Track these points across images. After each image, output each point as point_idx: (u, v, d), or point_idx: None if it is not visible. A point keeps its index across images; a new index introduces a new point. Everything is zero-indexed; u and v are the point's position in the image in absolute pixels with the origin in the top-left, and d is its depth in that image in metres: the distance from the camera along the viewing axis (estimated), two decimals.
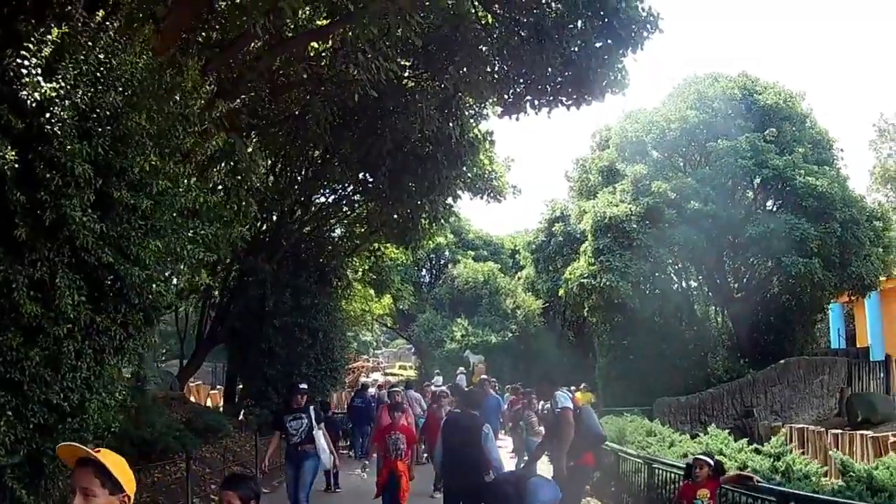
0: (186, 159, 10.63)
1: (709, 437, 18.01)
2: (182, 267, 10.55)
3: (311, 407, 12.14)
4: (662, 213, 32.24)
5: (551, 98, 16.84)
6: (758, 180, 34.50)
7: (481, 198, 25.04)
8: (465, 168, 21.74)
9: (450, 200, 23.28)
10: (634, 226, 32.40)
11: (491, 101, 18.66)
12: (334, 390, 26.98)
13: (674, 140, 35.63)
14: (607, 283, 31.92)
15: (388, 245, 28.99)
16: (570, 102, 16.65)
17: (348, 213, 26.81)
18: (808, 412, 31.61)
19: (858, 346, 39.26)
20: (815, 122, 36.33)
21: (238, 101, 15.71)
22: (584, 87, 16.30)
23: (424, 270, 57.14)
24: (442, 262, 56.03)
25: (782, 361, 32.72)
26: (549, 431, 10.99)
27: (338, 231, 28.05)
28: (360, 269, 30.28)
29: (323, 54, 17.80)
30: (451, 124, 18.84)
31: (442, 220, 24.68)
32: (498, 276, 49.21)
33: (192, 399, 32.56)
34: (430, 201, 21.71)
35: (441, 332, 45.62)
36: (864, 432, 22.41)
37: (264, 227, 25.41)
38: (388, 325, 57.63)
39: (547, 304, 47.11)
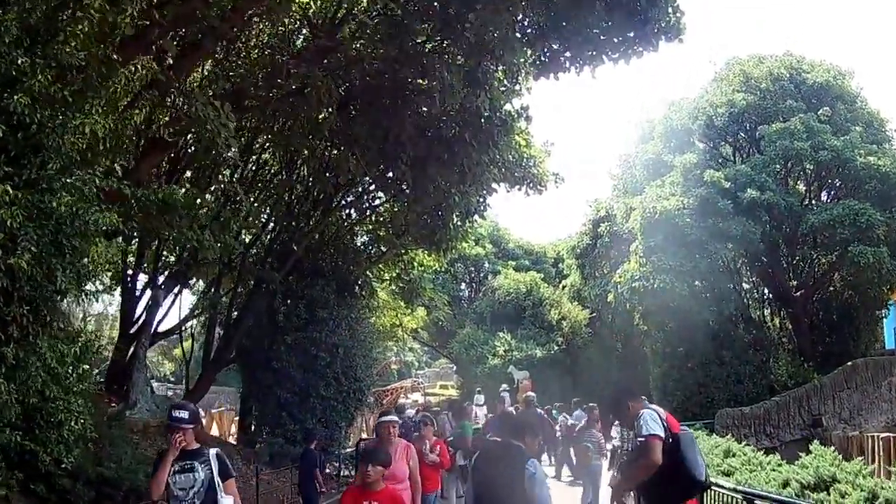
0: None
1: (815, 458, 14.84)
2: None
3: (214, 452, 6.98)
4: (716, 204, 29.83)
5: (594, 52, 14.18)
6: (811, 165, 32.05)
7: (519, 189, 21.88)
8: (498, 152, 18.74)
9: (483, 193, 20.28)
10: (687, 220, 29.82)
11: (523, 61, 15.61)
12: (360, 414, 24.03)
13: (722, 126, 33.95)
14: (661, 285, 29.41)
15: (418, 251, 25.98)
16: (616, 55, 14.03)
17: (369, 213, 23.96)
18: (877, 418, 29.62)
19: None
20: (867, 101, 34.37)
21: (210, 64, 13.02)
22: (632, 33, 13.49)
23: (464, 284, 54.66)
24: (482, 274, 53.36)
25: (849, 364, 30.53)
26: (630, 471, 7.43)
27: (361, 237, 25.22)
28: (388, 277, 27.27)
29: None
30: (478, 96, 15.86)
31: (476, 217, 21.69)
32: (541, 286, 46.16)
33: (211, 429, 30.03)
34: (461, 193, 18.74)
35: (482, 348, 42.60)
36: None
37: (274, 230, 22.71)
38: (426, 341, 55.01)
39: (594, 314, 44.23)
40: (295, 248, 21.60)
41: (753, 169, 31.00)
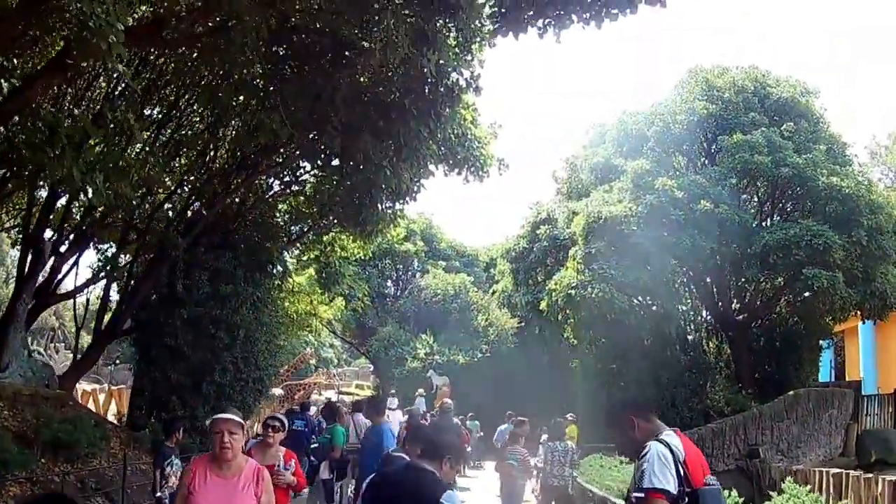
0: None
1: (790, 499, 13.13)
2: None
3: None
4: (668, 214, 28.11)
5: (561, 10, 12.15)
6: (768, 182, 30.67)
7: (459, 173, 19.67)
8: (440, 125, 16.68)
9: (419, 172, 18.12)
10: (634, 228, 28.12)
11: (481, 16, 13.52)
12: (261, 407, 21.73)
13: (679, 134, 32.01)
14: (599, 295, 27.55)
15: (342, 235, 23.74)
16: (588, 15, 11.99)
17: (291, 184, 21.74)
18: (815, 451, 28.79)
19: (848, 379, 36.90)
20: (829, 123, 33.15)
21: None
22: None
23: (390, 281, 52.22)
24: (410, 272, 51.31)
25: (791, 393, 29.18)
26: None
27: (280, 211, 22.90)
28: (306, 258, 24.96)
29: None
30: (425, 56, 13.84)
31: (408, 201, 19.50)
32: (470, 290, 44.65)
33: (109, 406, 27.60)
34: (393, 167, 16.57)
35: (403, 349, 41.01)
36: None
37: (186, 193, 20.52)
38: (346, 338, 52.90)
39: (522, 323, 42.59)
40: (205, 212, 19.33)
41: (709, 181, 29.42)
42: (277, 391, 33.88)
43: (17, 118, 12.01)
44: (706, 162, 32.89)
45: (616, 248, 28.45)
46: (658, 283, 29.16)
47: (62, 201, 19.37)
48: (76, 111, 15.29)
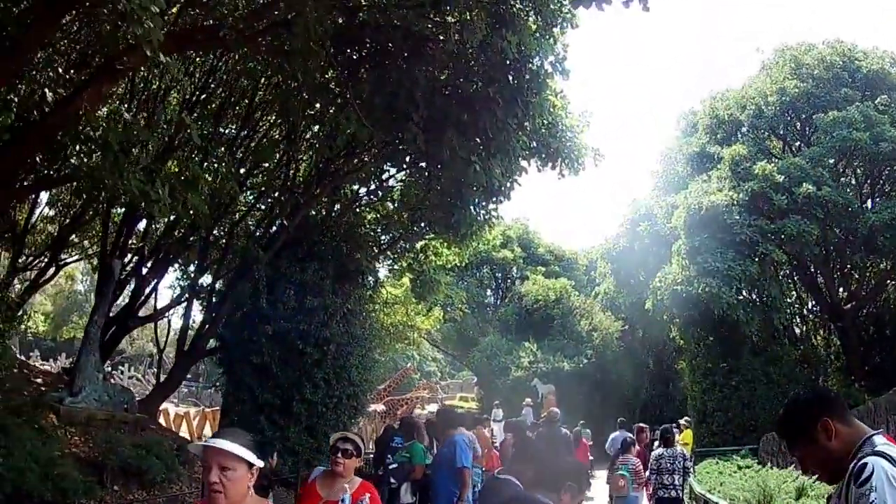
0: None
1: None
2: None
3: None
4: (770, 200, 27.00)
5: None
6: (865, 160, 29.05)
7: (553, 167, 18.35)
8: (527, 114, 15.51)
9: (511, 166, 16.84)
10: (736, 217, 26.99)
11: None
12: (353, 424, 20.66)
13: (772, 116, 31.01)
14: (706, 290, 26.15)
15: (435, 242, 22.67)
16: None
17: (377, 191, 20.79)
18: None
19: None
20: None
21: None
22: None
23: (489, 290, 51.04)
24: (508, 280, 49.96)
25: None
26: None
27: (367, 219, 21.92)
28: (398, 267, 23.97)
29: None
30: (504, 37, 12.74)
31: (501, 199, 18.24)
32: (571, 294, 43.13)
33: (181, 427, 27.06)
34: (483, 162, 15.37)
35: (506, 359, 39.51)
36: None
37: (265, 204, 19.81)
38: (447, 350, 51.95)
39: (626, 326, 41.63)
40: (286, 223, 18.45)
41: (808, 162, 28.00)
42: (379, 407, 32.88)
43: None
44: (801, 144, 31.67)
45: (719, 239, 27.22)
46: (764, 275, 27.88)
47: (142, 225, 18.97)
48: (127, 116, 14.42)
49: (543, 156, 18.21)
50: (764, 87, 31.61)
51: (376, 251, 21.21)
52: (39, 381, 16.09)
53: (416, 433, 12.38)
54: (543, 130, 17.54)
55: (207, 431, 26.67)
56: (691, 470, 13.85)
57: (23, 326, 33.48)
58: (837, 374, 31.03)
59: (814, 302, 33.89)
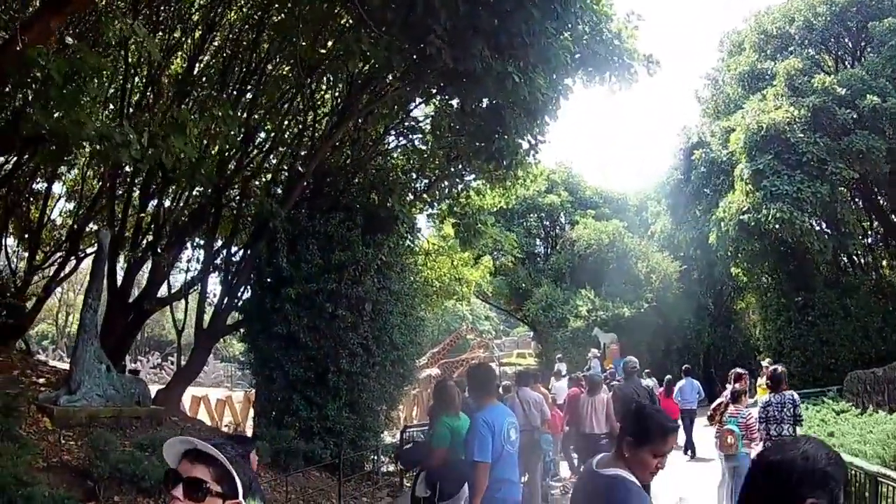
0: None
1: None
2: None
3: None
4: (833, 115, 25.13)
5: None
6: None
7: (602, 81, 15.70)
8: (568, 14, 12.93)
9: (554, 79, 14.15)
10: (800, 135, 25.12)
11: None
12: (402, 394, 18.17)
13: (824, 28, 29.13)
14: (777, 215, 24.12)
15: (476, 182, 19.97)
16: None
17: (403, 125, 18.19)
18: None
19: None
20: None
21: None
22: None
23: (538, 240, 48.39)
24: (557, 228, 47.44)
25: None
26: None
27: (399, 161, 19.28)
28: (439, 211, 20.82)
29: None
30: None
31: (547, 120, 15.48)
32: (625, 236, 40.54)
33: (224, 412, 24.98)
34: (521, 73, 12.82)
35: (562, 309, 37.38)
36: None
37: (275, 148, 17.40)
38: (500, 305, 49.57)
39: (684, 266, 39.15)
40: (301, 170, 16.00)
41: (869, 73, 26.05)
42: (434, 371, 31.00)
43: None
44: (857, 58, 29.63)
45: (784, 160, 25.33)
46: (835, 197, 25.83)
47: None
48: (70, 40, 11.98)
49: (590, 68, 15.60)
50: None
51: (412, 197, 18.58)
52: (42, 381, 13.77)
53: (447, 403, 8.20)
54: (586, 38, 14.94)
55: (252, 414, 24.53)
56: (801, 418, 11.32)
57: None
58: None
59: (881, 228, 31.80)
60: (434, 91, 15.73)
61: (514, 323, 64.87)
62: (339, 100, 16.49)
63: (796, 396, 11.51)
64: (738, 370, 12.84)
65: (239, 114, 15.00)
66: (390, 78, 15.26)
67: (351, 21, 13.53)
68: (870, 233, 32.52)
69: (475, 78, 12.98)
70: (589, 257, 39.66)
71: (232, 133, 13.58)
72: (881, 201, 29.74)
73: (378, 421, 16.75)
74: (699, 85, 33.80)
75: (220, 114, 12.90)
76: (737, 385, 11.95)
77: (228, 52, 16.71)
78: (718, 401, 12.14)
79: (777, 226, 24.11)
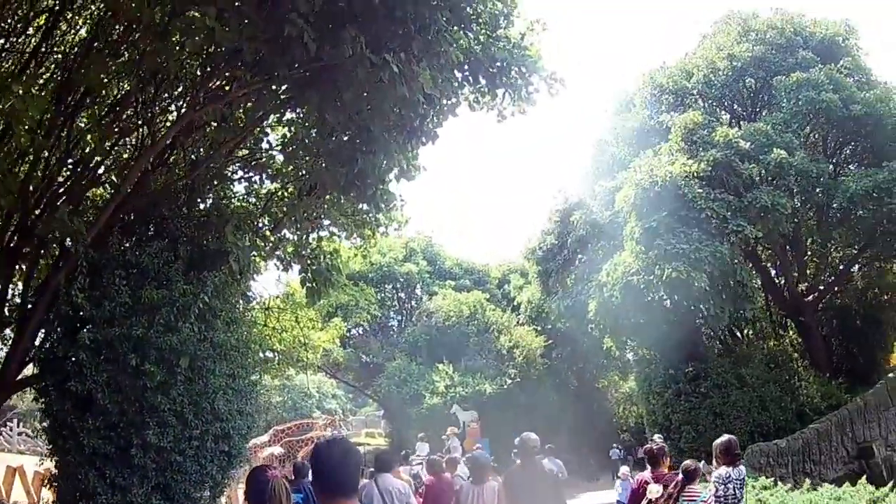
0: None
1: None
2: None
3: None
4: (736, 170, 24.04)
5: None
6: (834, 127, 27.04)
7: (492, 99, 13.02)
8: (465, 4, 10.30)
9: (441, 81, 11.26)
10: (699, 190, 23.54)
11: None
12: (229, 478, 14.32)
13: (724, 83, 28.39)
14: (674, 275, 22.27)
15: (332, 232, 16.65)
16: None
17: (245, 134, 14.71)
18: None
19: None
20: (870, 68, 29.60)
21: None
22: None
23: (393, 313, 45.27)
24: (413, 299, 44.51)
25: (892, 375, 26.52)
26: None
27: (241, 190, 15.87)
28: (284, 255, 16.82)
29: None
30: None
31: (429, 133, 12.46)
32: (487, 309, 38.49)
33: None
34: (402, 66, 9.93)
35: (417, 384, 34.91)
36: None
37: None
38: (347, 381, 46.45)
39: (549, 341, 37.50)
40: (117, 181, 12.57)
41: (773, 128, 25.21)
42: (277, 450, 27.89)
43: None
44: (756, 112, 29.04)
45: (681, 217, 23.66)
46: (736, 256, 24.39)
47: None
48: None
49: (482, 79, 12.81)
50: (710, 53, 29.05)
51: (253, 235, 15.11)
52: None
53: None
54: (483, 36, 12.28)
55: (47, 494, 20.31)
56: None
57: None
58: (809, 371, 28.15)
59: (768, 294, 31.03)
60: (290, 97, 12.59)
61: (362, 402, 61.79)
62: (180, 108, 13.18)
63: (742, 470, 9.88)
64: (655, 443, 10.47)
65: (43, 95, 11.53)
66: (237, 83, 11.99)
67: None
68: (768, 300, 31.56)
69: (343, 71, 10.10)
70: (448, 330, 37.39)
71: (35, 118, 10.23)
72: (768, 266, 29.39)
73: None
74: (583, 155, 32.24)
75: (19, 90, 9.69)
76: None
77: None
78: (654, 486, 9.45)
79: (668, 290, 22.48)
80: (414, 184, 12.49)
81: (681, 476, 9.26)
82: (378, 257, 40.87)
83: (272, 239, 15.75)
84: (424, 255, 44.22)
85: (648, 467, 10.26)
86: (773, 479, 19.63)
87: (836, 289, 29.71)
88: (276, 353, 19.18)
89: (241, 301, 14.46)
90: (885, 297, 29.50)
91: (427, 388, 33.95)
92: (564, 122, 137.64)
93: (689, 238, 22.72)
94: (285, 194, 15.40)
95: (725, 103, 29.61)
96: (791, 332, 30.82)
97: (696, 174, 23.59)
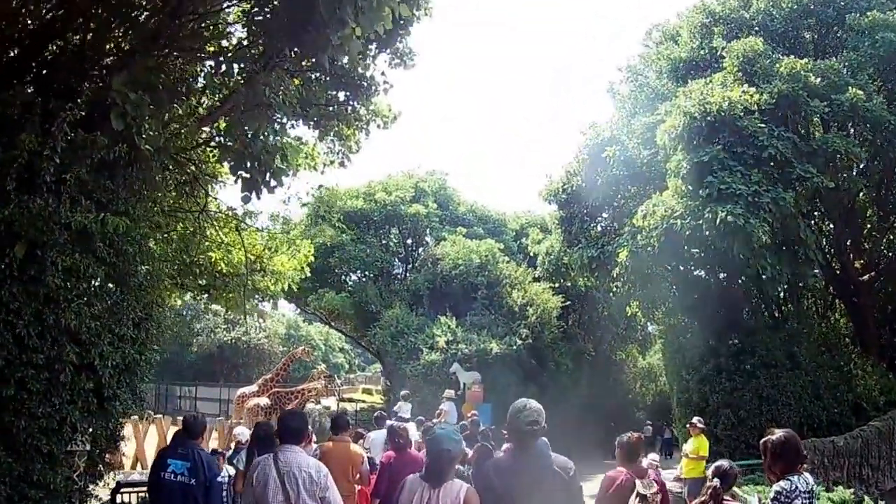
0: None
1: None
2: None
3: None
4: (805, 106, 20.56)
5: None
6: None
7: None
8: None
9: None
10: (761, 125, 19.49)
11: None
12: (116, 432, 10.14)
13: (788, 17, 24.62)
14: (729, 220, 18.22)
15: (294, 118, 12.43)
16: None
17: None
18: None
19: None
20: None
21: None
22: None
23: (397, 259, 42.12)
24: (421, 246, 41.34)
25: None
26: None
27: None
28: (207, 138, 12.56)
29: None
30: None
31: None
32: (500, 260, 34.83)
33: None
34: None
35: (415, 337, 31.22)
36: None
37: None
38: (344, 330, 43.18)
39: (567, 302, 34.40)
40: None
41: (848, 68, 21.77)
42: (263, 401, 25.66)
43: None
44: (827, 54, 24.53)
45: (738, 154, 19.72)
46: (800, 208, 20.76)
47: None
48: None
49: None
50: None
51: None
52: None
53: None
54: None
55: None
56: None
57: None
58: (861, 360, 24.75)
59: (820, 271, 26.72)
60: None
61: (371, 358, 58.28)
62: None
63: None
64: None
65: None
66: None
67: None
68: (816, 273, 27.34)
69: None
70: (454, 280, 33.81)
71: None
72: (819, 234, 24.62)
73: (58, 470, 9.03)
74: (615, 79, 28.24)
75: None
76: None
77: None
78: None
79: (718, 239, 18.61)
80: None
81: (716, 482, 6.95)
82: (383, 195, 37.17)
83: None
84: (436, 198, 40.50)
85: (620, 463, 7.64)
86: (824, 483, 17.17)
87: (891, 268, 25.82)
88: (218, 276, 15.07)
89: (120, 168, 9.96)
90: None
91: (426, 343, 30.54)
92: (598, 54, 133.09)
93: (748, 179, 19.03)
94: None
95: (788, 41, 25.38)
96: (839, 315, 27.35)
97: (758, 105, 19.83)
